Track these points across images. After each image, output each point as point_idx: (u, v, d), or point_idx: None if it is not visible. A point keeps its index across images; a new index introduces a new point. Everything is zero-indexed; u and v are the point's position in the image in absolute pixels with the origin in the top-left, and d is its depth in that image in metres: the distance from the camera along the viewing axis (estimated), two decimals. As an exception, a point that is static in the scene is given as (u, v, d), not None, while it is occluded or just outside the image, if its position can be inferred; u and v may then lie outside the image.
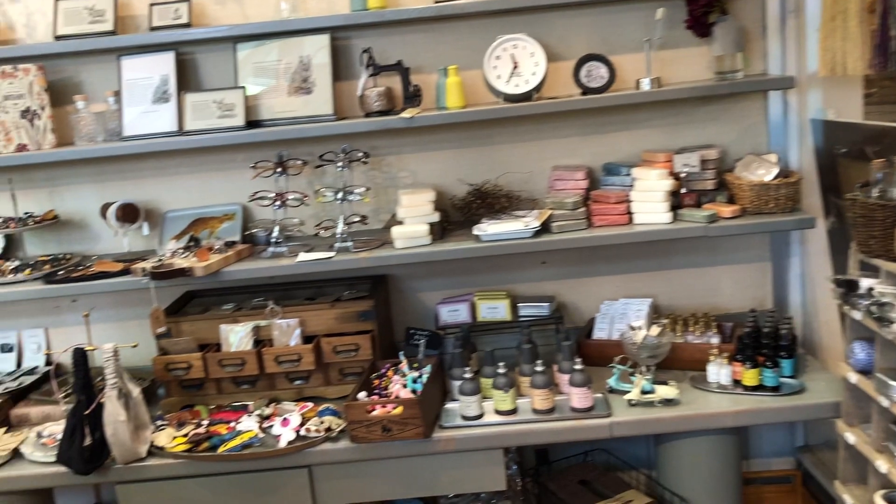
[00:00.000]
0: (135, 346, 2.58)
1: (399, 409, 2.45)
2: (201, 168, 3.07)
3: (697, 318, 2.91)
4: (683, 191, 2.78)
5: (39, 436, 2.70)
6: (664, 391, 2.55)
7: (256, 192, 2.81)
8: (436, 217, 2.80)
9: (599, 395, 2.62)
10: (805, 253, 2.99)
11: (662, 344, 2.65)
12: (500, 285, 3.10)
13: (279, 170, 2.82)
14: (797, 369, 2.65)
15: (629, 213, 2.77)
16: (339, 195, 2.77)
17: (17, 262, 2.96)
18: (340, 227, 2.75)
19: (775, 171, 2.73)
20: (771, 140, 2.97)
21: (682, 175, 2.79)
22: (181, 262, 2.70)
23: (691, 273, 3.11)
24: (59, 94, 2.96)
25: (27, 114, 2.87)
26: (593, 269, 3.12)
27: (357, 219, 2.77)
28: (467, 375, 2.55)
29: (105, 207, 2.99)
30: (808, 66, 2.75)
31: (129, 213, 2.98)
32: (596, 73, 2.78)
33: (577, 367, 2.55)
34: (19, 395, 2.96)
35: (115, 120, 2.90)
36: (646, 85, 2.74)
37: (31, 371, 3.13)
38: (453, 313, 2.96)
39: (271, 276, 2.75)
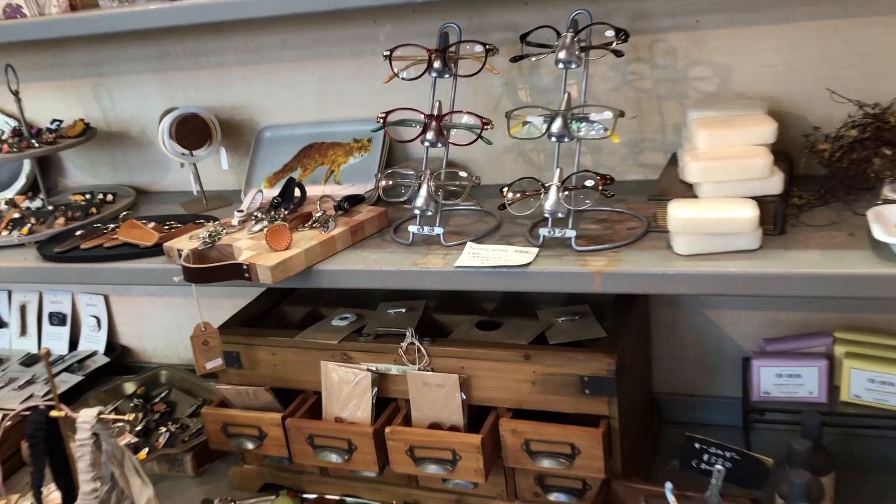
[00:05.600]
0: (131, 420, 1.35)
1: None
2: (318, 53, 1.68)
3: None
4: None
5: (34, 511, 1.62)
6: None
7: (390, 112, 1.37)
8: (775, 183, 1.21)
9: None
10: None
11: None
12: (884, 313, 1.47)
13: (437, 65, 1.35)
14: None
15: None
16: (557, 125, 1.26)
17: (37, 203, 1.83)
18: (553, 197, 1.25)
19: None
20: None
21: None
22: (245, 245, 1.38)
23: None
24: (73, -87, 1.68)
25: (17, -50, 1.62)
26: None
27: (591, 181, 1.25)
28: None
29: (162, 117, 1.73)
30: None
31: (191, 132, 1.70)
32: None
33: None
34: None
35: (164, -40, 1.58)
36: None
37: (84, 360, 2.06)
38: (788, 382, 1.40)
39: (401, 286, 1.34)
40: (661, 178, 1.37)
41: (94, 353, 2.08)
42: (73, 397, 1.91)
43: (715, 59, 1.45)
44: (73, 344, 2.12)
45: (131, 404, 1.87)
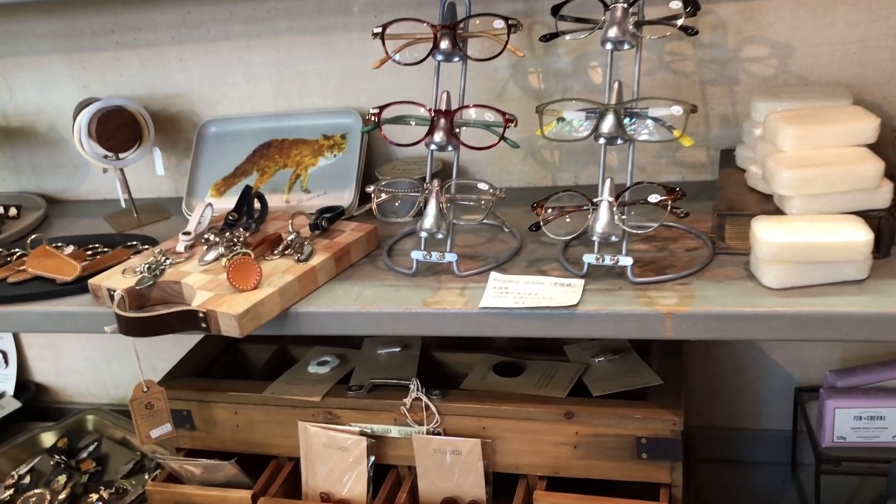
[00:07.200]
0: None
1: None
2: (276, 28, 1.35)
3: None
4: None
5: None
6: None
7: (384, 107, 1.07)
8: (883, 195, 0.97)
9: None
10: None
11: None
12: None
13: (444, 45, 1.05)
14: None
15: None
16: (609, 123, 0.98)
17: (-82, 221, 1.46)
18: (606, 216, 0.97)
19: None
20: None
21: None
22: (198, 281, 1.06)
23: None
24: None
25: None
26: None
27: (657, 196, 0.97)
28: None
29: (78, 111, 1.38)
30: None
31: (117, 131, 1.35)
32: None
33: None
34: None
35: None
36: None
37: (-11, 406, 1.70)
38: (868, 426, 1.17)
39: (409, 333, 1.05)
40: (723, 185, 1.11)
41: (1, 396, 1.72)
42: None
43: (774, 35, 1.19)
44: (-26, 384, 1.76)
45: (52, 462, 1.53)
